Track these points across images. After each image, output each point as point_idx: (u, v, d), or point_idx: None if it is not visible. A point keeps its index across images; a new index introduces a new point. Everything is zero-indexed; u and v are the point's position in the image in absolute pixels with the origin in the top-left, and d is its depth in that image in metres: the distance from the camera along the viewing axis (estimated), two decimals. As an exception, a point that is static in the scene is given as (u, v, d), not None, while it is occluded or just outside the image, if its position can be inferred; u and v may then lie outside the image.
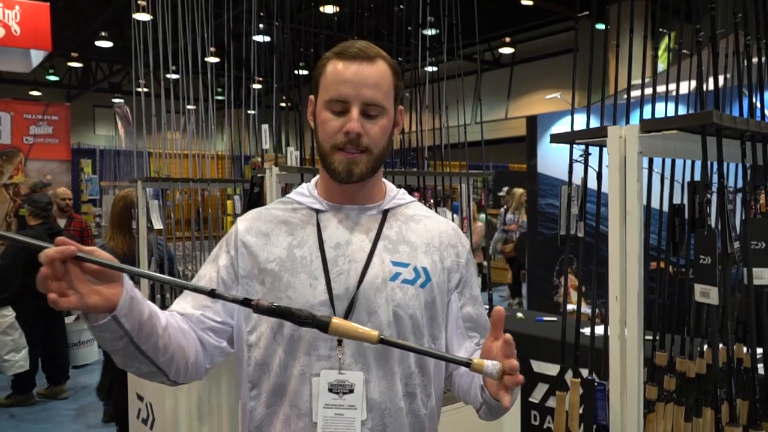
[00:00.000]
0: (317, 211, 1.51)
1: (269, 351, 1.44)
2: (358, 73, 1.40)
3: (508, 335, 1.25)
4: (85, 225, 7.18)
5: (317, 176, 1.58)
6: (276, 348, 1.43)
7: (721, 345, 2.08)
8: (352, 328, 1.22)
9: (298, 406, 1.41)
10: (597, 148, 2.15)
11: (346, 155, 1.41)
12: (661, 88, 2.31)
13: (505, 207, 11.08)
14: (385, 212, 1.53)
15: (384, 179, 1.59)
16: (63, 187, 7.89)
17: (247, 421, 1.50)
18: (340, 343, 1.40)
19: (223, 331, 1.49)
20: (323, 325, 1.20)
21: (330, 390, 1.40)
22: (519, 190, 10.46)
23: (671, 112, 2.32)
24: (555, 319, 4.46)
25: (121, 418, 4.67)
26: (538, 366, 3.92)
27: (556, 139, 2.16)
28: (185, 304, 1.48)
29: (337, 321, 1.21)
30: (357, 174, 1.42)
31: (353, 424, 1.39)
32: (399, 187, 1.63)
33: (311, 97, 1.52)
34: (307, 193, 1.55)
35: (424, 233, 1.53)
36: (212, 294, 1.22)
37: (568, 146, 2.19)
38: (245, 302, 1.21)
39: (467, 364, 1.23)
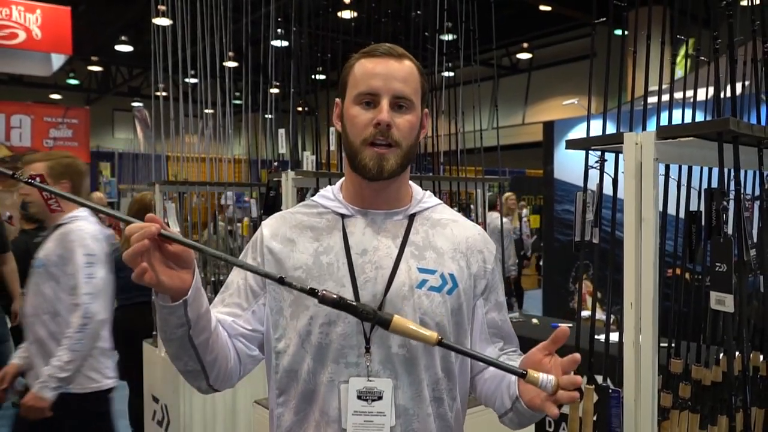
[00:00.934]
0: (342, 216, 1.50)
1: (297, 358, 1.44)
2: (387, 68, 1.43)
3: (576, 355, 1.26)
4: (116, 226, 7.20)
5: (342, 179, 1.57)
6: (304, 355, 1.43)
7: (737, 353, 2.07)
8: (413, 328, 1.22)
9: (328, 412, 1.41)
10: (613, 154, 2.15)
11: (376, 151, 1.40)
12: (679, 95, 2.30)
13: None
14: (412, 217, 1.52)
15: (411, 182, 1.58)
16: (98, 193, 7.86)
17: (274, 427, 1.50)
18: (368, 350, 1.40)
19: (253, 338, 1.50)
20: (385, 323, 1.21)
21: (359, 397, 1.39)
22: (506, 194, 10.31)
23: (688, 119, 2.32)
24: (570, 325, 4.44)
25: (136, 421, 4.69)
26: (553, 372, 3.90)
27: (572, 145, 2.16)
28: (216, 312, 1.48)
29: (398, 319, 1.22)
30: (387, 170, 1.41)
31: (382, 431, 1.39)
32: None
33: (337, 100, 1.52)
34: (332, 196, 1.54)
35: (451, 238, 1.52)
36: (281, 281, 1.22)
37: (584, 152, 2.19)
38: (311, 292, 1.22)
39: (522, 374, 1.23)
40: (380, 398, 1.39)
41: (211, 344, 1.37)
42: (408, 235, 1.49)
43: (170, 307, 1.26)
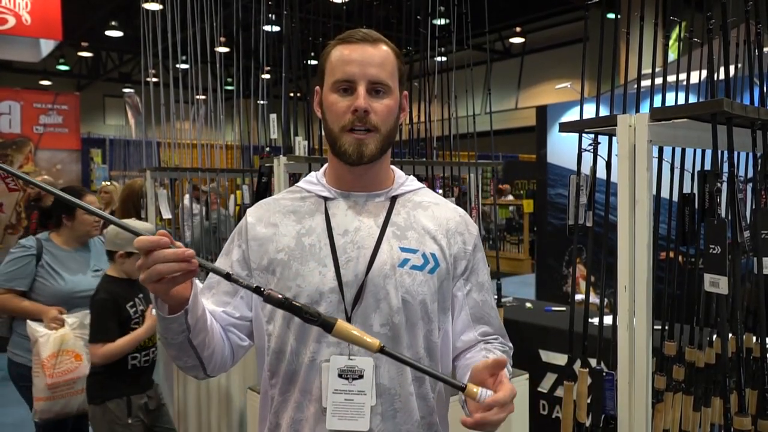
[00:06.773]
0: (325, 199, 1.52)
1: (283, 339, 1.47)
2: (363, 54, 1.44)
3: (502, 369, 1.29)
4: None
5: (326, 165, 1.59)
6: (288, 336, 1.46)
7: (730, 335, 2.07)
8: (356, 333, 1.24)
9: (310, 391, 1.43)
10: (606, 137, 2.14)
11: (356, 137, 1.42)
12: (672, 78, 2.29)
13: None
14: (393, 198, 1.54)
15: (393, 166, 1.60)
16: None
17: (266, 408, 1.53)
18: None
19: (243, 326, 1.53)
20: (328, 326, 1.24)
21: (340, 375, 1.41)
22: None
23: (682, 102, 2.31)
24: (564, 308, 4.46)
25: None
26: (547, 356, 3.92)
27: (566, 127, 2.15)
28: (206, 301, 1.50)
29: (342, 323, 1.24)
30: (367, 155, 1.43)
31: (363, 409, 1.40)
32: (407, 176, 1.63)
33: (317, 87, 1.53)
34: (315, 181, 1.57)
35: (432, 220, 1.53)
36: (228, 277, 1.24)
37: (578, 135, 2.18)
38: (257, 290, 1.24)
39: (462, 388, 1.26)
40: (361, 377, 1.41)
41: (208, 341, 1.40)
42: (390, 216, 1.51)
43: (172, 317, 1.28)
